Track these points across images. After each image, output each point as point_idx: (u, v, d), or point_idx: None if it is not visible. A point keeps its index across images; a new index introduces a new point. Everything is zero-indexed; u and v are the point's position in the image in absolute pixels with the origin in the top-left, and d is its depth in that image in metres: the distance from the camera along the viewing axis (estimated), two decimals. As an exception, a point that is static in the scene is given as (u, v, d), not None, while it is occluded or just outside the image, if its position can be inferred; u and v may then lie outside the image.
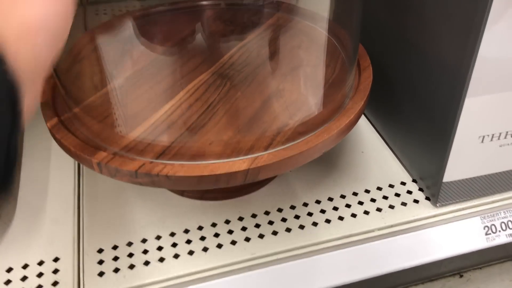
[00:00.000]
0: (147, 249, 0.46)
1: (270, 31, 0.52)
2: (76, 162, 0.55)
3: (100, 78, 0.48)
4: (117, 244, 0.46)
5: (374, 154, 0.56)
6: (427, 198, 0.50)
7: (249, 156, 0.39)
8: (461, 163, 0.46)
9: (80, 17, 0.46)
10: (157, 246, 0.46)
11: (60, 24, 0.24)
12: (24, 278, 0.43)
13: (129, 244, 0.46)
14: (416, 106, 0.49)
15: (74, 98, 0.44)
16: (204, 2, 0.56)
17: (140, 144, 0.41)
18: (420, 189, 0.51)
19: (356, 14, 0.47)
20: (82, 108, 0.44)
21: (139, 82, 0.47)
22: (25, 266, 0.44)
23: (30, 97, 0.23)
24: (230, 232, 0.47)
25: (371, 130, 0.59)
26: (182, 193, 0.51)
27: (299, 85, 0.48)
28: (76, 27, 0.48)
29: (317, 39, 0.52)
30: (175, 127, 0.43)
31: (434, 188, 0.49)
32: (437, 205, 0.49)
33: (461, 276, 0.56)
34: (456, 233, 0.49)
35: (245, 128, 0.43)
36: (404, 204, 0.50)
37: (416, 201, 0.50)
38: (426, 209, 0.49)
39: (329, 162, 0.54)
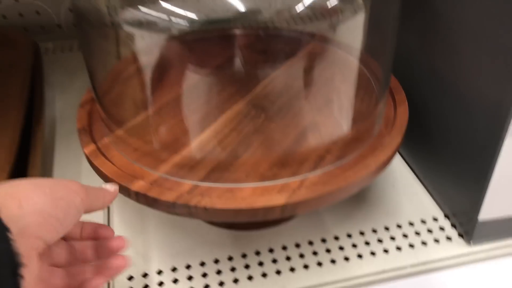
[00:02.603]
0: (177, 278, 0.45)
1: (304, 62, 0.52)
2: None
3: (137, 104, 0.48)
4: (147, 272, 0.46)
5: (405, 188, 0.55)
6: (460, 235, 0.49)
7: (286, 191, 0.39)
8: (497, 202, 0.46)
9: (113, 41, 0.47)
10: (187, 275, 0.46)
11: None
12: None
13: (159, 272, 0.46)
14: (450, 142, 0.49)
15: (114, 122, 0.44)
16: (239, 31, 0.57)
17: (177, 173, 0.41)
18: (453, 226, 0.50)
19: (389, 48, 0.47)
20: (120, 134, 0.44)
21: (175, 110, 0.48)
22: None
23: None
24: (261, 263, 0.47)
25: (402, 163, 0.58)
26: (211, 221, 0.51)
27: (334, 118, 0.48)
28: (110, 52, 0.49)
29: (351, 71, 0.52)
30: (211, 157, 0.43)
31: (468, 225, 0.48)
32: (471, 243, 0.48)
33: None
34: (491, 272, 0.48)
35: (281, 161, 0.42)
36: (436, 240, 0.49)
37: (449, 238, 0.49)
38: (459, 246, 0.48)
39: (359, 195, 0.54)
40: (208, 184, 0.41)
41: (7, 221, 0.25)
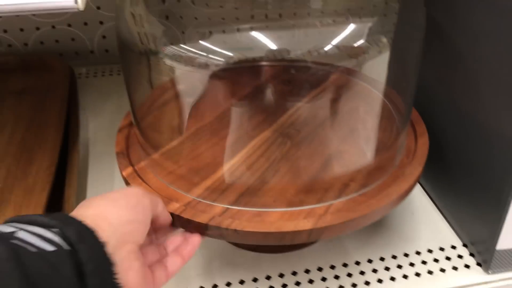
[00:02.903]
0: (204, 297, 0.47)
1: (329, 92, 0.55)
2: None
3: (172, 130, 0.51)
4: (175, 291, 0.48)
5: (424, 216, 0.57)
6: (479, 264, 0.51)
7: (312, 216, 0.41)
8: (515, 232, 0.47)
9: (153, 71, 0.50)
10: (214, 295, 0.48)
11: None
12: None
13: (187, 291, 0.48)
14: (469, 172, 0.51)
15: (151, 146, 0.47)
16: (267, 63, 0.60)
17: (209, 197, 0.44)
18: (471, 254, 0.52)
19: (411, 82, 0.50)
20: (156, 158, 0.47)
21: (208, 136, 0.51)
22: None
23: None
24: (284, 286, 0.49)
25: (421, 192, 0.60)
26: (236, 243, 0.53)
27: (358, 147, 0.50)
28: (149, 80, 0.52)
29: (374, 103, 0.54)
30: (241, 182, 0.45)
31: (486, 254, 0.49)
32: (489, 272, 0.50)
33: None
34: (508, 301, 0.49)
35: (307, 188, 0.45)
36: (455, 268, 0.51)
37: (467, 266, 0.51)
38: (477, 275, 0.50)
39: (380, 222, 0.56)
40: (238, 207, 0.43)
41: (106, 239, 0.30)
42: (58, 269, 0.27)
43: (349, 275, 0.50)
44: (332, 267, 0.51)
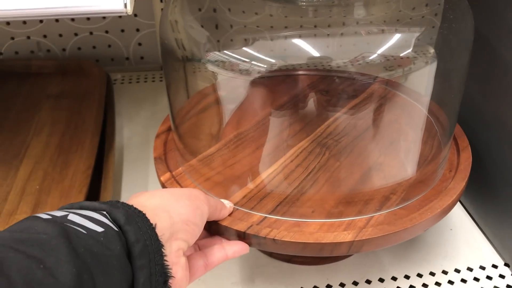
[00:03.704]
0: (237, 307, 0.47)
1: (368, 104, 0.54)
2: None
3: (211, 136, 0.51)
4: (208, 299, 0.48)
5: (463, 233, 0.55)
6: (521, 285, 0.49)
7: (352, 228, 0.41)
8: (562, 253, 0.45)
9: (194, 76, 0.50)
10: (247, 305, 0.47)
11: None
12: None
13: (220, 300, 0.47)
14: (510, 188, 0.49)
15: (189, 152, 0.47)
16: (307, 71, 0.59)
17: (246, 205, 0.43)
18: (514, 274, 0.50)
19: (456, 96, 0.49)
20: (194, 164, 0.47)
21: (246, 144, 0.50)
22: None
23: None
24: (319, 299, 0.48)
25: (460, 209, 0.59)
26: (271, 254, 0.52)
27: (398, 159, 0.49)
28: (190, 85, 0.52)
29: (415, 115, 0.53)
30: (279, 191, 0.45)
31: (529, 275, 0.48)
32: (533, 293, 0.48)
33: None
34: (553, 325, 0.47)
35: (346, 199, 0.44)
36: (496, 288, 0.49)
37: (509, 286, 0.49)
38: (520, 296, 0.48)
39: (417, 237, 0.54)
40: (276, 217, 0.42)
41: (162, 231, 0.31)
42: (107, 247, 0.27)
43: (386, 290, 0.48)
44: (368, 281, 0.49)
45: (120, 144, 0.68)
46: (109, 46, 0.84)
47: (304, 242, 0.39)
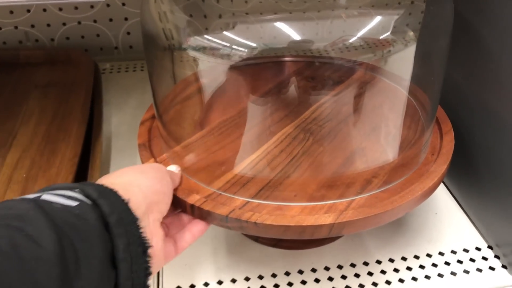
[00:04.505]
0: (223, 291, 0.47)
1: (352, 89, 0.54)
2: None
3: (194, 123, 0.51)
4: (194, 284, 0.48)
5: (448, 217, 0.56)
6: (504, 266, 0.50)
7: (333, 211, 0.41)
8: (543, 234, 0.46)
9: (176, 64, 0.50)
10: (232, 289, 0.47)
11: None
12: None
13: (206, 284, 0.48)
14: (496, 174, 0.50)
15: (172, 139, 0.47)
16: (291, 58, 0.60)
17: (229, 190, 0.43)
18: (496, 256, 0.51)
19: (437, 79, 0.49)
20: (178, 150, 0.47)
21: (229, 130, 0.50)
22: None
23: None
24: (304, 282, 0.48)
25: (445, 192, 0.59)
26: (256, 239, 0.52)
27: (381, 143, 0.50)
28: (172, 73, 0.52)
29: (398, 99, 0.53)
30: (262, 176, 0.45)
31: (511, 256, 0.48)
32: (515, 274, 0.48)
33: None
34: (534, 305, 0.47)
35: (329, 183, 0.44)
36: (479, 270, 0.49)
37: (492, 268, 0.49)
38: (502, 277, 0.49)
39: (402, 222, 0.55)
40: (258, 201, 0.43)
41: (136, 205, 0.32)
42: (83, 219, 0.28)
43: (370, 273, 0.49)
44: (353, 265, 0.50)
45: (108, 133, 0.69)
46: (98, 35, 0.84)
47: (286, 225, 0.40)
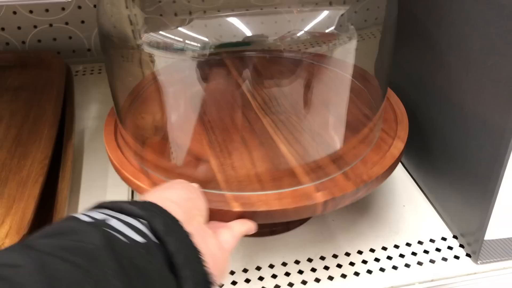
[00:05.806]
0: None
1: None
2: (130, 189, 0.58)
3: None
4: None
5: (415, 209, 0.57)
6: (468, 255, 0.51)
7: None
8: (503, 222, 0.47)
9: (133, 62, 0.51)
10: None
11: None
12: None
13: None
14: (457, 162, 0.51)
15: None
16: (245, 53, 0.61)
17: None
18: (461, 246, 0.52)
19: (385, 64, 0.51)
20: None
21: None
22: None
23: None
24: (274, 276, 0.49)
25: (413, 185, 0.61)
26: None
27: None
28: (130, 72, 0.53)
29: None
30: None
31: (475, 245, 0.50)
32: (478, 262, 0.50)
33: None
34: (497, 291, 0.49)
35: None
36: (444, 259, 0.51)
37: (456, 257, 0.51)
38: (466, 265, 0.50)
39: (371, 214, 0.56)
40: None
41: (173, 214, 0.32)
42: (149, 261, 0.28)
43: (339, 266, 0.50)
44: (322, 258, 0.51)
45: (80, 135, 0.69)
46: (70, 37, 0.84)
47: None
